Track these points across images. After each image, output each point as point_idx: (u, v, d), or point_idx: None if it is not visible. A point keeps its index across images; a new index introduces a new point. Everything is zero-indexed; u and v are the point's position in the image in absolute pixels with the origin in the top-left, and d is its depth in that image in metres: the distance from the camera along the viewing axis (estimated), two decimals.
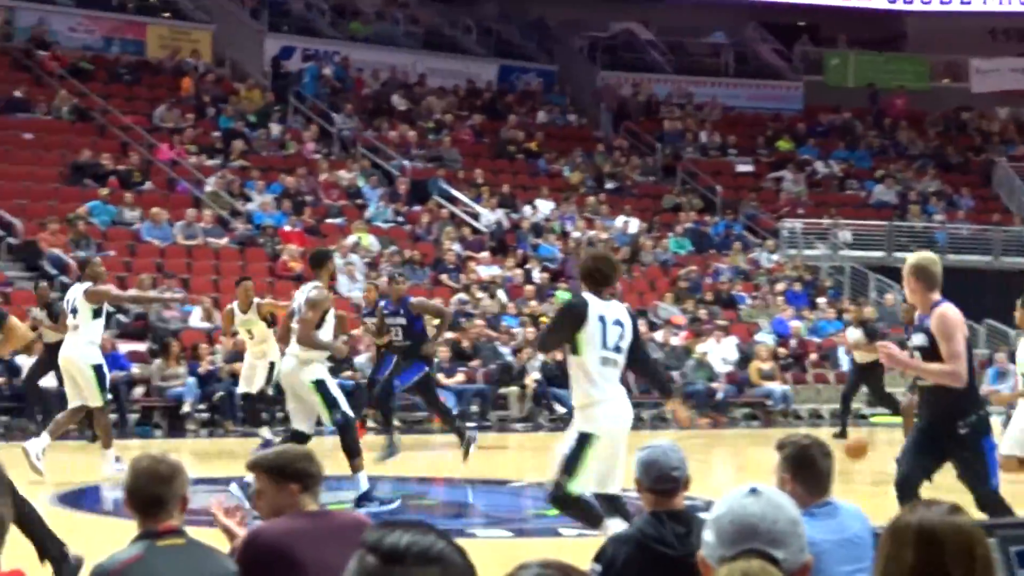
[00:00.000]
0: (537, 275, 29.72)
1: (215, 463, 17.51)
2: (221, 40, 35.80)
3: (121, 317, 24.68)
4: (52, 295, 21.34)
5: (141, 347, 23.83)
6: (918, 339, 9.68)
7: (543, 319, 27.10)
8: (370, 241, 29.11)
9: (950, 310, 9.52)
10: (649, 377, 10.78)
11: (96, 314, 15.91)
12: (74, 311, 15.90)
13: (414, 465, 20.11)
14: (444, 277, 28.57)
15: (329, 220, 30.00)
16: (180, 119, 31.79)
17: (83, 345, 15.82)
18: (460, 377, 24.85)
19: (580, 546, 9.87)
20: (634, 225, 33.11)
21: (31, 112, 30.42)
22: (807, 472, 5.98)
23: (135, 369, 22.83)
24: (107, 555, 5.30)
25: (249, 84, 34.63)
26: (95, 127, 30.88)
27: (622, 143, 37.77)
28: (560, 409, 25.21)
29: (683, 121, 39.38)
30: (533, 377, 25.21)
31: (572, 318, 9.89)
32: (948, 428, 9.56)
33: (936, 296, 9.60)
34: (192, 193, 29.45)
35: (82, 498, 14.99)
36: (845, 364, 27.13)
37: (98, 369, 15.78)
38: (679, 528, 5.97)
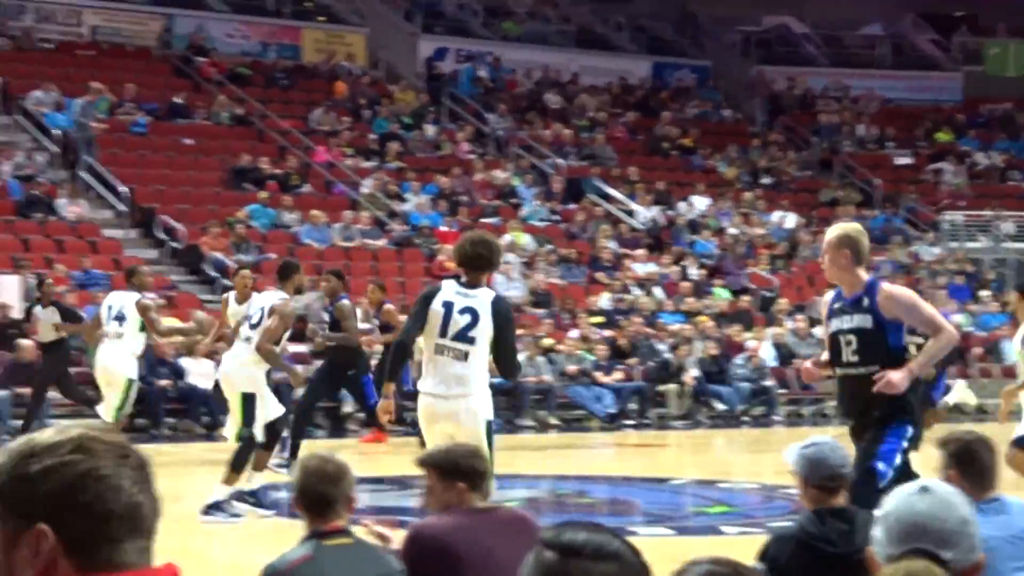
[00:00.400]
0: (694, 272, 29.59)
1: (376, 463, 17.68)
2: (375, 43, 36.14)
3: None
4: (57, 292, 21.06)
5: (303, 348, 24.07)
6: (856, 320, 8.48)
7: (701, 317, 26.99)
8: (526, 240, 29.19)
9: (892, 285, 8.72)
10: (503, 371, 9.85)
11: (143, 326, 15.38)
12: (120, 318, 15.24)
13: (574, 463, 20.15)
14: (600, 275, 28.57)
15: (484, 219, 30.10)
16: (336, 122, 32.14)
17: (125, 355, 15.23)
18: (618, 375, 24.83)
19: (742, 544, 9.83)
20: (791, 220, 32.84)
21: (191, 118, 30.93)
22: (971, 468, 5.90)
23: (298, 370, 23.02)
24: (277, 555, 5.38)
25: (403, 86, 34.92)
26: (253, 131, 31.32)
27: (778, 137, 37.47)
28: (720, 406, 25.11)
29: (840, 114, 38.98)
30: (692, 374, 25.10)
31: (420, 303, 9.71)
32: (865, 415, 8.45)
33: (864, 273, 8.56)
34: (349, 195, 29.75)
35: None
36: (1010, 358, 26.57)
37: (130, 384, 15.25)
38: (842, 525, 5.92)
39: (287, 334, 13.74)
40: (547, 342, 24.94)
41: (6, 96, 29.79)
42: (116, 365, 15.21)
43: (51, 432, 2.49)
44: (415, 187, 30.23)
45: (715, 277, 29.60)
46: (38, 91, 29.50)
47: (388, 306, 20.56)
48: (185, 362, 22.18)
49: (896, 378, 8.27)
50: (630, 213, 31.76)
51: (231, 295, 17.36)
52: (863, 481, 7.87)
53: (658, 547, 10.18)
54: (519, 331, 25.10)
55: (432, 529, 5.77)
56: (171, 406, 22.01)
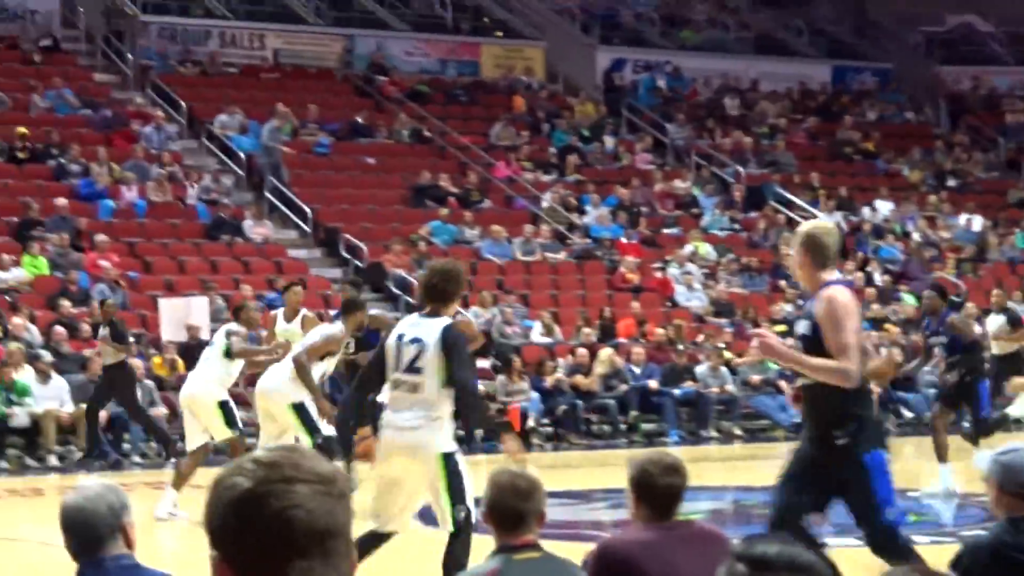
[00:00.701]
0: (879, 277, 29.22)
1: (560, 476, 17.70)
2: (553, 56, 36.23)
3: None
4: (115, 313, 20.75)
5: (484, 363, 24.24)
6: (801, 326, 7.99)
7: (887, 326, 26.61)
8: (707, 250, 29.06)
9: (840, 292, 7.82)
10: (458, 404, 9.19)
11: (228, 353, 15.11)
12: (211, 343, 15.40)
13: (760, 474, 19.95)
14: (783, 283, 28.32)
15: (665, 230, 30.06)
16: (515, 136, 32.29)
17: (207, 382, 15.00)
18: None
19: (933, 553, 9.67)
20: (978, 223, 32.26)
21: (373, 137, 31.29)
22: None
23: (480, 385, 23.18)
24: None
25: (582, 98, 34.97)
26: (434, 148, 31.59)
27: (962, 139, 36.84)
28: (907, 414, 24.75)
29: None
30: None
31: (381, 341, 9.46)
32: (825, 439, 7.85)
33: (828, 275, 7.90)
34: (529, 209, 29.87)
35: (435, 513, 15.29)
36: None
37: (223, 405, 14.90)
38: None
39: (328, 364, 13.87)
40: (727, 355, 24.80)
41: (192, 120, 30.42)
42: (197, 392, 15.12)
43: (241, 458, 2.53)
44: (595, 199, 30.24)
45: (901, 282, 29.19)
46: (223, 115, 30.09)
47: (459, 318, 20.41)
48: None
49: (772, 341, 7.99)
50: (813, 219, 31.43)
51: (279, 312, 16.84)
52: (885, 541, 7.77)
53: (849, 557, 10.04)
54: (701, 338, 25.11)
55: (618, 544, 5.79)
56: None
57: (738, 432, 23.89)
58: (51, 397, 20.59)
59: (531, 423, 22.80)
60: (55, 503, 5.17)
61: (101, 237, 25.14)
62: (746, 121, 35.42)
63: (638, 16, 39.00)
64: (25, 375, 20.87)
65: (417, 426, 9.05)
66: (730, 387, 24.09)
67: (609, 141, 33.33)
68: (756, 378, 24.38)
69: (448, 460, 9.07)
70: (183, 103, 30.53)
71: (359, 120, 31.36)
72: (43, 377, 20.83)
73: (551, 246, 28.46)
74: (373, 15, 35.57)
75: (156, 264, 25.66)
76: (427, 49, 35.30)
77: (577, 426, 23.01)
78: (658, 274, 28.09)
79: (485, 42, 36.27)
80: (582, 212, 29.97)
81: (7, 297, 23.12)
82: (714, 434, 23.60)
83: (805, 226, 8.29)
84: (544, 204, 29.82)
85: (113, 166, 27.50)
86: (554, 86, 35.81)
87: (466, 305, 25.61)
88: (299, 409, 13.61)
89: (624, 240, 29.08)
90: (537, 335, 25.49)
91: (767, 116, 35.78)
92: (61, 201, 25.79)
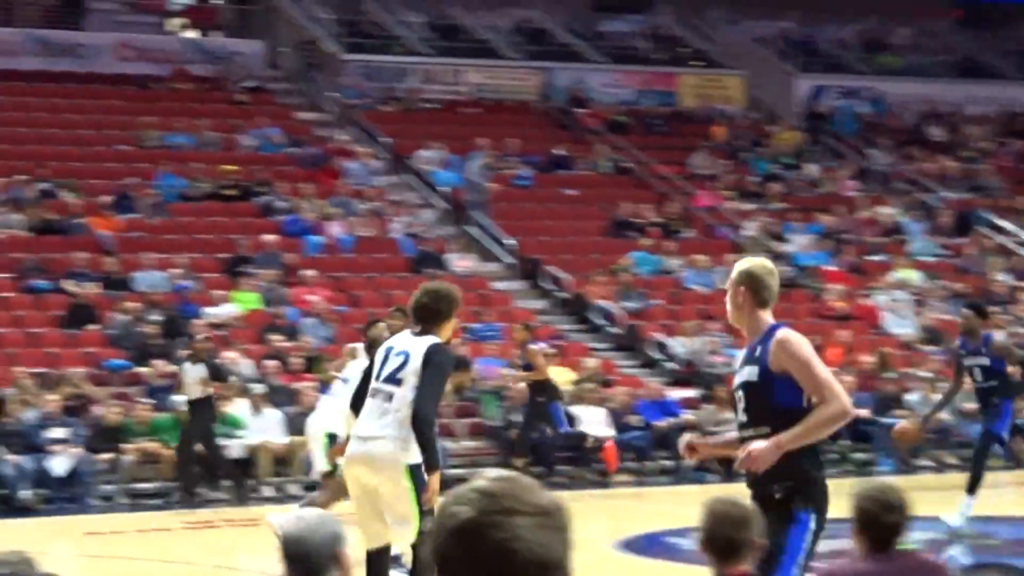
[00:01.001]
0: None
1: None
2: (752, 84, 36.02)
3: (669, 365, 25.05)
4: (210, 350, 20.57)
5: (691, 393, 24.11)
6: (745, 373, 7.37)
7: None
8: (915, 276, 28.58)
9: (791, 332, 7.30)
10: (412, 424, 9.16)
11: None
12: (345, 380, 15.20)
13: (977, 504, 19.51)
14: (994, 309, 27.69)
15: (871, 257, 29.62)
16: (715, 165, 32.12)
17: (330, 413, 15.01)
18: None
19: None
20: None
21: (572, 169, 31.36)
22: None
23: (687, 415, 23.10)
24: None
25: (783, 126, 34.70)
26: (633, 179, 31.55)
27: None
28: None
29: None
30: None
31: (372, 357, 9.66)
32: (765, 493, 7.20)
33: (769, 317, 7.39)
34: (731, 238, 29.65)
35: (646, 544, 15.23)
36: None
37: (327, 437, 14.91)
38: None
39: None
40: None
41: (396, 156, 30.77)
42: (318, 420, 15.59)
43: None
44: (798, 227, 29.94)
45: None
46: (425, 150, 30.40)
47: (531, 346, 21.34)
48: (576, 409, 22.44)
49: (756, 451, 7.15)
50: (1023, 244, 30.78)
51: (360, 347, 15.61)
52: None
53: None
54: (908, 369, 24.63)
55: (842, 575, 5.76)
56: (565, 454, 22.31)
57: (953, 461, 23.40)
58: (264, 429, 20.93)
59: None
60: (270, 533, 5.20)
61: (308, 272, 25.51)
62: (951, 145, 34.82)
63: (838, 42, 38.61)
64: (238, 408, 21.28)
65: (380, 436, 9.20)
66: (943, 415, 23.60)
67: (811, 168, 32.99)
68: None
69: (415, 471, 9.15)
70: (386, 139, 30.91)
71: (559, 152, 31.46)
72: (256, 409, 21.20)
73: None
74: (570, 48, 35.72)
75: (363, 298, 25.94)
76: (624, 80, 35.34)
77: None
78: (864, 301, 27.68)
79: (682, 72, 36.21)
80: (785, 240, 29.66)
81: (219, 332, 23.57)
82: (928, 463, 23.15)
83: (745, 263, 7.64)
84: (746, 232, 29.59)
85: (319, 202, 27.91)
86: (754, 114, 35.58)
87: (670, 335, 25.54)
88: (330, 438, 13.95)
89: (830, 267, 28.71)
90: None
91: (972, 140, 35.14)
92: (269, 237, 26.24)
